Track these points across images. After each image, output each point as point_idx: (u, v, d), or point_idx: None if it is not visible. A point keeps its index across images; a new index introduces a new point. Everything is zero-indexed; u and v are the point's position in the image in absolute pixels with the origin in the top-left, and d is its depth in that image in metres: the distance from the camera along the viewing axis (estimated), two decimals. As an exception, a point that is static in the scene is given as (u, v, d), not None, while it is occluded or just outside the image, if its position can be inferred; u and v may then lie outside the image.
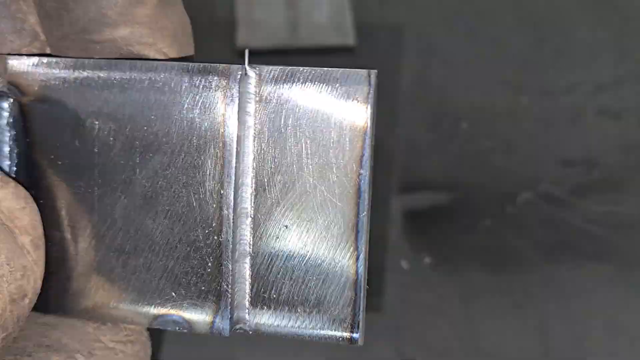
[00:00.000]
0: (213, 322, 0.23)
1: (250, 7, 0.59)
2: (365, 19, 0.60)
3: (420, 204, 0.51)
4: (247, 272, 0.23)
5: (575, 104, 0.57)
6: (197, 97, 0.23)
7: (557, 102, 0.57)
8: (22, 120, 0.24)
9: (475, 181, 0.53)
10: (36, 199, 0.23)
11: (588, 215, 0.52)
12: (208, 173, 0.23)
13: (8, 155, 0.24)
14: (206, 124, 0.23)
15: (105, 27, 0.23)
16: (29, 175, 0.24)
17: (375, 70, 0.22)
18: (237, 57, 0.58)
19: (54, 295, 0.24)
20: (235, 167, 0.23)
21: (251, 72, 0.23)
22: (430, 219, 0.51)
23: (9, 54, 0.24)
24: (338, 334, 0.23)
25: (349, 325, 0.23)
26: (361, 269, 0.23)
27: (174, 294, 0.24)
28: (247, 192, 0.23)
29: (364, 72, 0.22)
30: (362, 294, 0.23)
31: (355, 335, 0.23)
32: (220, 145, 0.23)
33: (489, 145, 0.55)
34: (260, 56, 0.58)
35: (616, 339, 0.47)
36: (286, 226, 0.23)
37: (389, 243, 0.49)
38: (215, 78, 0.23)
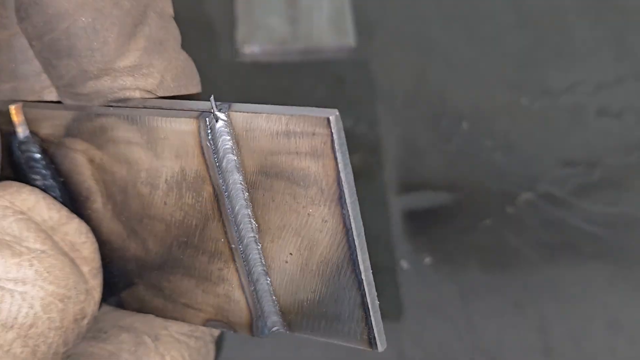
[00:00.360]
0: (251, 327, 0.25)
1: (250, 7, 0.59)
2: (365, 18, 0.60)
3: (420, 204, 0.51)
4: (269, 288, 0.24)
5: (575, 103, 0.57)
6: (176, 143, 0.23)
7: (557, 102, 0.57)
8: (52, 163, 0.26)
9: (476, 181, 0.53)
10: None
11: (588, 215, 0.52)
12: (209, 212, 0.24)
13: (51, 191, 0.26)
14: (192, 170, 0.23)
15: (88, 80, 0.25)
16: (73, 210, 0.25)
17: (336, 111, 0.21)
18: (237, 57, 0.58)
19: (126, 298, 0.27)
20: (229, 208, 0.23)
21: (222, 116, 0.23)
22: (430, 219, 0.51)
23: (27, 101, 0.26)
24: (359, 346, 0.24)
25: (367, 339, 0.24)
26: (366, 292, 0.23)
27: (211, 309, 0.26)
28: (247, 226, 0.24)
29: (320, 117, 0.21)
30: (371, 312, 0.23)
31: (375, 348, 0.24)
32: (210, 186, 0.23)
33: (489, 145, 0.55)
34: (260, 56, 0.58)
35: (616, 338, 0.47)
36: (291, 254, 0.23)
37: (389, 243, 0.49)
38: (189, 121, 0.23)
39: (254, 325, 0.25)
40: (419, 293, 0.47)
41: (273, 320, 0.25)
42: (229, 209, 0.23)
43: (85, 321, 0.24)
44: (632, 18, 0.61)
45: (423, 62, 0.59)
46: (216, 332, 0.28)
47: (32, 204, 0.24)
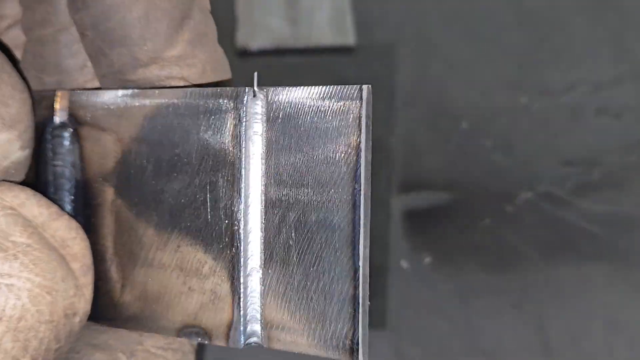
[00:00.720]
0: (228, 335, 0.25)
1: (250, 7, 0.59)
2: (365, 18, 0.60)
3: (420, 203, 0.51)
4: (259, 287, 0.24)
5: (574, 103, 0.57)
6: (211, 120, 0.24)
7: (557, 102, 0.57)
8: (79, 147, 0.27)
9: (475, 181, 0.53)
10: (89, 218, 0.26)
11: (588, 215, 0.52)
12: (221, 191, 0.24)
13: (68, 178, 0.27)
14: (218, 145, 0.24)
15: (138, 68, 0.27)
16: (84, 195, 0.26)
17: (368, 85, 0.23)
18: (237, 57, 0.58)
19: (101, 307, 0.26)
20: (244, 185, 0.24)
21: (259, 94, 0.24)
22: (430, 218, 0.51)
23: (73, 89, 0.27)
24: (337, 356, 0.24)
25: (350, 345, 0.23)
26: (360, 285, 0.23)
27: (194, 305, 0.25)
28: (257, 208, 0.24)
29: (355, 87, 0.23)
30: (360, 310, 0.23)
31: (355, 356, 0.23)
32: (230, 164, 0.24)
33: (489, 144, 0.55)
34: (261, 56, 0.58)
35: (615, 338, 0.47)
36: (290, 243, 0.24)
37: (389, 243, 0.49)
38: (225, 101, 0.24)
39: (231, 331, 0.25)
40: (418, 292, 0.47)
41: (253, 329, 0.25)
42: (242, 186, 0.24)
43: (77, 319, 0.24)
44: (631, 19, 0.61)
45: (423, 62, 0.59)
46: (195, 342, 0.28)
47: (22, 200, 0.24)
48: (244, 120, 0.24)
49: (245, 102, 0.24)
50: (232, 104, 0.24)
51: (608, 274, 0.49)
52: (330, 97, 0.23)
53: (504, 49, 0.60)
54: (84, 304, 0.24)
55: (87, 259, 0.25)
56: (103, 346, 0.26)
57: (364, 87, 0.22)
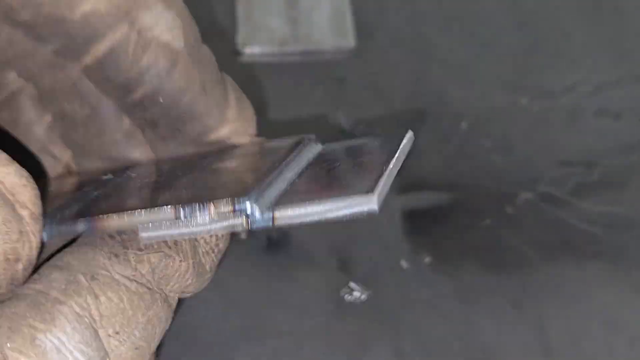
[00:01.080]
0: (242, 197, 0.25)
1: (250, 8, 0.59)
2: (365, 20, 0.60)
3: (420, 204, 0.52)
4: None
5: (574, 104, 0.57)
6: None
7: (556, 103, 0.57)
8: None
9: (475, 181, 0.53)
10: None
11: (587, 215, 0.52)
12: None
13: None
14: None
15: (211, 132, 0.31)
16: None
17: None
18: (237, 58, 0.58)
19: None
20: None
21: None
22: (429, 218, 0.51)
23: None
24: (357, 197, 0.24)
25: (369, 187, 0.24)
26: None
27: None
28: None
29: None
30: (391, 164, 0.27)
31: (371, 196, 0.24)
32: None
33: (488, 145, 0.55)
34: (261, 57, 0.58)
35: (615, 338, 0.47)
36: None
37: (389, 243, 0.49)
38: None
39: (248, 198, 0.24)
40: (418, 292, 0.47)
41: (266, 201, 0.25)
42: None
43: (20, 265, 0.24)
44: (630, 20, 0.62)
45: (422, 63, 0.59)
46: (174, 296, 0.27)
47: None
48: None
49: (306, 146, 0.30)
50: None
51: (608, 273, 0.50)
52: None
53: (503, 50, 0.60)
54: (28, 250, 0.24)
55: (37, 207, 0.24)
56: (63, 267, 0.25)
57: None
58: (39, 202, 0.25)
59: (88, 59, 0.28)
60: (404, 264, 0.48)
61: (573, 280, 0.49)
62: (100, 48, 0.27)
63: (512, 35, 0.60)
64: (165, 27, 0.28)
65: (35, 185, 0.25)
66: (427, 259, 0.49)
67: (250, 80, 0.57)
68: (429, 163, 0.54)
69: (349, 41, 0.59)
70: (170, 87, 0.28)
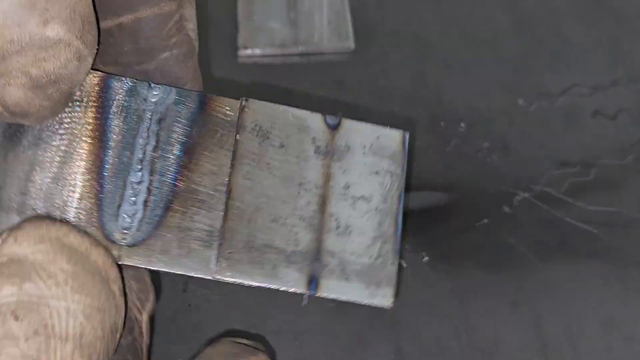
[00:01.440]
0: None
1: (250, 10, 0.60)
2: (365, 22, 0.60)
3: (419, 203, 0.52)
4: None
5: (571, 105, 0.58)
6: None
7: (554, 104, 0.58)
8: None
9: (473, 181, 0.53)
10: None
11: (584, 215, 0.52)
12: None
13: None
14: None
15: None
16: None
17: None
18: (238, 60, 0.58)
19: None
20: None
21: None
22: (428, 218, 0.51)
23: None
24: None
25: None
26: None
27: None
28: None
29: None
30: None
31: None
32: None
33: (487, 146, 0.55)
34: (261, 59, 0.58)
35: (612, 337, 0.47)
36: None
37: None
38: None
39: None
40: (416, 291, 0.48)
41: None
42: None
43: (118, 335, 0.27)
44: (627, 22, 0.62)
45: (421, 64, 0.59)
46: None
47: (65, 231, 0.27)
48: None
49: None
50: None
51: (604, 273, 0.50)
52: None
53: (501, 52, 0.60)
54: (121, 321, 0.27)
55: (121, 282, 0.28)
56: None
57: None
58: (121, 278, 0.28)
59: (127, 18, 0.30)
60: (402, 262, 0.49)
61: (570, 279, 0.49)
62: (146, 11, 0.30)
63: (510, 37, 0.60)
64: (193, 26, 0.30)
65: (116, 263, 0.28)
66: (425, 258, 0.49)
67: (250, 81, 0.57)
68: (428, 164, 0.54)
69: (349, 43, 0.59)
70: (180, 73, 0.30)
